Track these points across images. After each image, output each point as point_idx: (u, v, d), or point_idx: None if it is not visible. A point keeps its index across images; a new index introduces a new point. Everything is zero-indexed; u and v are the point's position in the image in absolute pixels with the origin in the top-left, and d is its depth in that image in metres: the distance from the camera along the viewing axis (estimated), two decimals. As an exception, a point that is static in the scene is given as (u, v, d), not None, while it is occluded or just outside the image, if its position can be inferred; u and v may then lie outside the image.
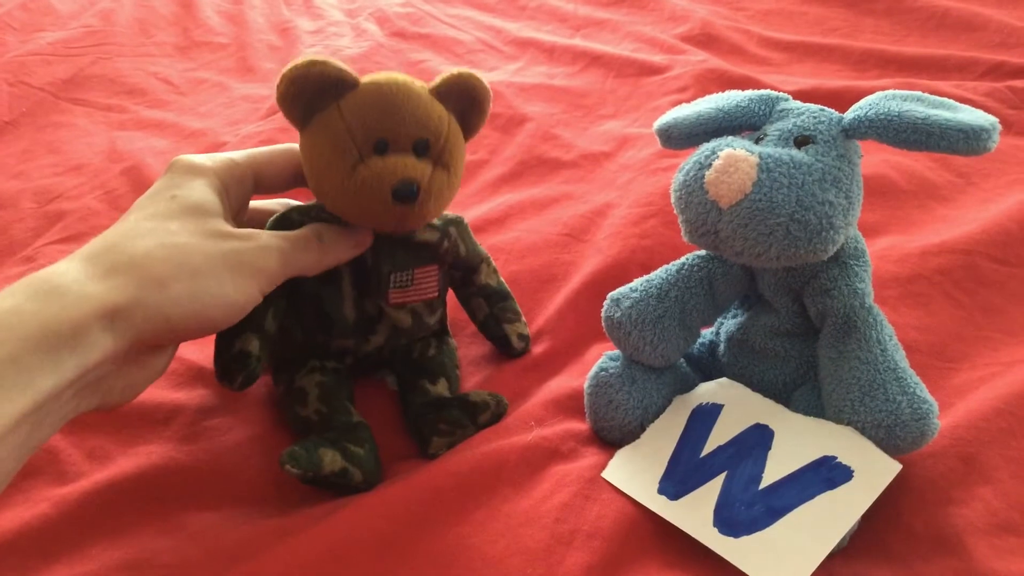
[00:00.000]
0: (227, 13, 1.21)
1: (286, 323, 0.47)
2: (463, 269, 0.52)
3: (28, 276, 0.34)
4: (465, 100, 0.45)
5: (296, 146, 0.47)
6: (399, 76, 0.44)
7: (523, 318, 0.54)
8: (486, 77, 0.45)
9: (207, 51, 1.11)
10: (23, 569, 0.39)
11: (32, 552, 0.40)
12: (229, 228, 0.40)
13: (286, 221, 0.45)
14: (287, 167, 0.46)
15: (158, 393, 0.50)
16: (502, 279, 0.54)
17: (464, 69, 0.45)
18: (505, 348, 0.53)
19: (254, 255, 0.39)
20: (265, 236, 0.41)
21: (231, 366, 0.43)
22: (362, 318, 0.48)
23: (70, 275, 0.34)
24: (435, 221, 0.49)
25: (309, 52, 1.07)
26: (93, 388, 0.35)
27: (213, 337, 0.53)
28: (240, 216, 0.46)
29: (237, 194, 0.44)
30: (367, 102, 0.42)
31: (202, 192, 0.40)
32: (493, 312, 0.53)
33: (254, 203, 0.48)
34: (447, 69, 0.45)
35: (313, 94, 0.42)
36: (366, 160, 0.41)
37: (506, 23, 1.14)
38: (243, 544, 0.39)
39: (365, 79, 0.43)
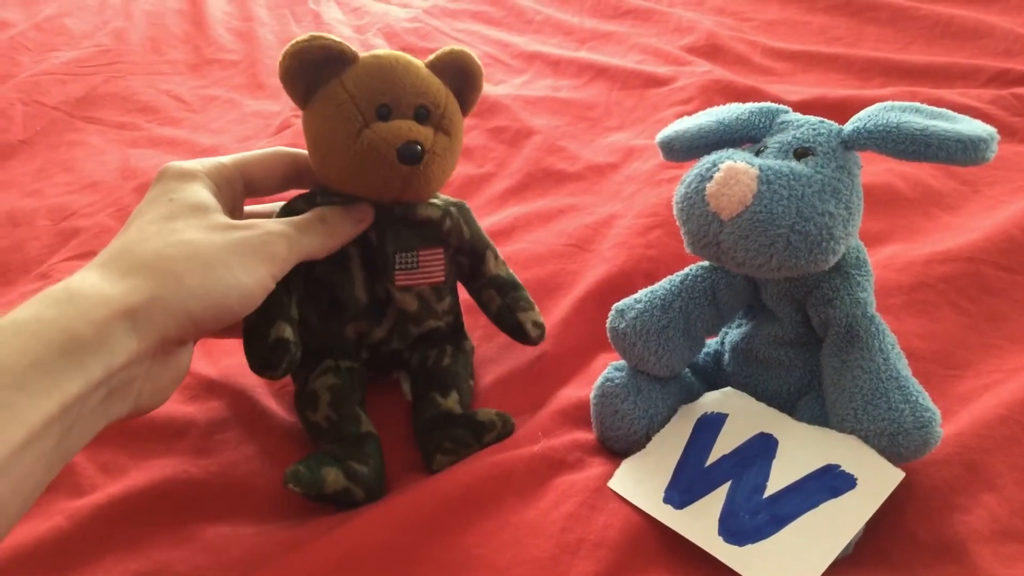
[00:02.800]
0: (237, 30, 1.23)
1: (302, 312, 0.47)
2: (469, 255, 0.51)
3: (45, 289, 0.34)
4: (460, 76, 0.47)
5: (285, 148, 0.48)
6: (396, 52, 0.46)
7: (536, 307, 0.53)
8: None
9: (218, 68, 1.13)
10: (39, 581, 0.40)
11: (48, 564, 0.40)
12: (231, 220, 0.41)
13: (291, 210, 0.47)
14: (276, 169, 0.48)
15: (170, 407, 0.50)
16: (511, 270, 0.53)
17: (456, 46, 0.47)
18: (521, 337, 0.52)
19: (261, 241, 0.41)
20: (269, 223, 0.42)
21: (271, 356, 0.43)
22: (373, 300, 0.48)
23: (87, 282, 0.35)
24: (436, 200, 0.49)
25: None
26: (123, 393, 0.35)
27: (225, 349, 0.54)
28: (235, 218, 0.46)
29: (228, 195, 0.45)
30: (368, 72, 0.44)
31: (197, 192, 0.42)
32: (506, 302, 0.52)
33: (256, 208, 0.49)
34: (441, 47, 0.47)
35: (315, 68, 0.44)
36: (370, 125, 0.43)
37: (512, 37, 1.15)
38: (254, 555, 0.40)
39: (363, 55, 0.45)
